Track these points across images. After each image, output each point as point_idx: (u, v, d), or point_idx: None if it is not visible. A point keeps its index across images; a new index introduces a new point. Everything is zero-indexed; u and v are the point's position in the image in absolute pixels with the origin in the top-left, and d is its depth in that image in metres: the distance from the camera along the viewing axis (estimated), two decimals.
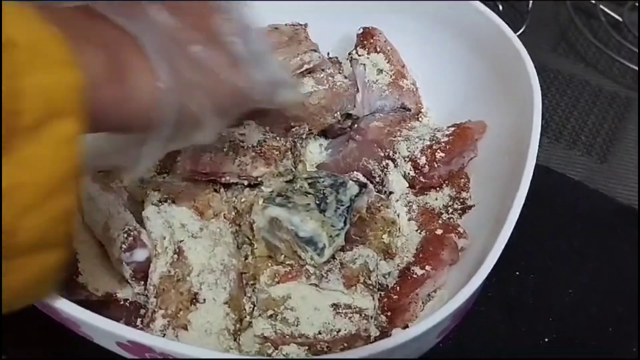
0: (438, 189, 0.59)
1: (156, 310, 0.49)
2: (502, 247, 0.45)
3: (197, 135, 0.43)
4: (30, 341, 0.55)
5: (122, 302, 0.51)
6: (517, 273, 0.60)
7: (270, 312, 0.49)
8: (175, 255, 0.51)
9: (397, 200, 0.58)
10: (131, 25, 0.38)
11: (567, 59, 0.80)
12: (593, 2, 0.83)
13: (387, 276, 0.54)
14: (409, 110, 0.65)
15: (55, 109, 0.32)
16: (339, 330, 0.48)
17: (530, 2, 0.82)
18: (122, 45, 0.38)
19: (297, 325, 0.49)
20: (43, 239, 0.34)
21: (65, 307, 0.41)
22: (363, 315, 0.49)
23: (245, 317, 0.52)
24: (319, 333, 0.48)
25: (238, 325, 0.51)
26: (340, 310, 0.49)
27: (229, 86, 0.43)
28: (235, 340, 0.50)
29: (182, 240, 0.52)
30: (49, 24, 0.33)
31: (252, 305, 0.52)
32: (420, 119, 0.66)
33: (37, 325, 0.49)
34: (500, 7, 0.81)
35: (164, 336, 0.48)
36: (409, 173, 0.58)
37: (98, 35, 0.37)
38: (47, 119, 0.32)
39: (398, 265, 0.55)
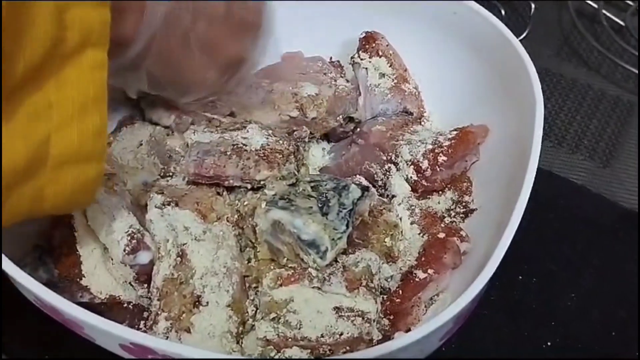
0: (440, 192, 0.59)
1: (159, 312, 0.49)
2: (504, 250, 0.45)
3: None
4: (31, 341, 0.55)
5: (125, 305, 0.51)
6: (520, 277, 0.60)
7: (272, 315, 0.50)
8: (179, 258, 0.51)
9: (400, 204, 0.58)
10: None
11: (569, 64, 0.80)
12: (596, 7, 0.84)
13: (389, 280, 0.54)
14: (411, 114, 0.66)
15: (91, 40, 0.39)
16: (342, 334, 0.48)
17: (533, 6, 0.82)
18: None
19: (299, 329, 0.49)
20: (78, 152, 0.40)
21: (69, 309, 0.41)
22: (365, 318, 0.49)
23: (248, 320, 0.52)
24: (322, 336, 0.48)
25: (241, 328, 0.51)
26: (343, 314, 0.49)
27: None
28: (237, 343, 0.50)
29: (185, 243, 0.52)
30: None
31: (254, 308, 0.52)
32: (422, 122, 0.66)
33: (38, 325, 0.50)
34: (503, 12, 0.81)
35: (167, 339, 0.48)
36: (411, 177, 0.58)
37: None
38: (83, 47, 0.39)
39: (400, 269, 0.55)
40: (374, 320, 0.50)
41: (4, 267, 0.44)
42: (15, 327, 0.54)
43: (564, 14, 0.85)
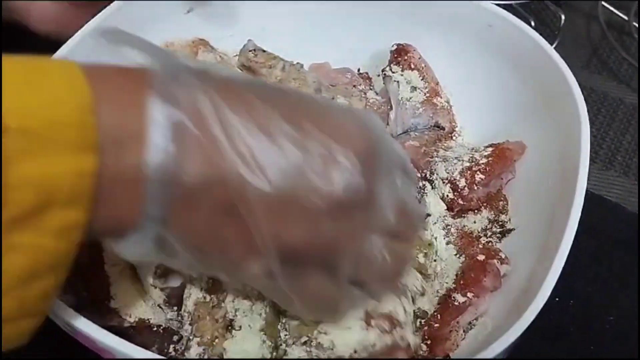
0: (476, 211, 0.58)
1: (191, 338, 0.47)
2: (555, 279, 0.44)
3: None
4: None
5: (155, 329, 0.49)
6: (557, 299, 0.58)
7: (304, 338, 0.47)
8: (210, 281, 0.49)
9: (435, 223, 0.56)
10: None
11: (599, 76, 0.79)
12: (625, 18, 0.82)
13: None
14: (443, 128, 0.64)
15: (57, 198, 0.29)
16: (374, 345, 0.46)
17: (562, 18, 0.80)
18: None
19: (332, 349, 0.47)
20: (18, 313, 0.31)
21: (104, 338, 0.39)
22: (394, 321, 0.47)
23: (281, 344, 0.50)
24: (355, 352, 0.46)
25: (274, 353, 0.49)
26: (371, 322, 0.47)
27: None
28: None
29: None
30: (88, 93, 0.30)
31: (286, 332, 0.50)
32: (454, 137, 0.64)
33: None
34: (532, 23, 0.79)
35: None
36: (447, 195, 0.56)
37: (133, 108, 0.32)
38: (44, 208, 0.29)
39: (437, 292, 0.53)
40: (404, 323, 0.47)
41: None
42: None
43: (593, 26, 0.84)
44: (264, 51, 0.62)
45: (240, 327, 0.48)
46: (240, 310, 0.49)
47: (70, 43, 0.57)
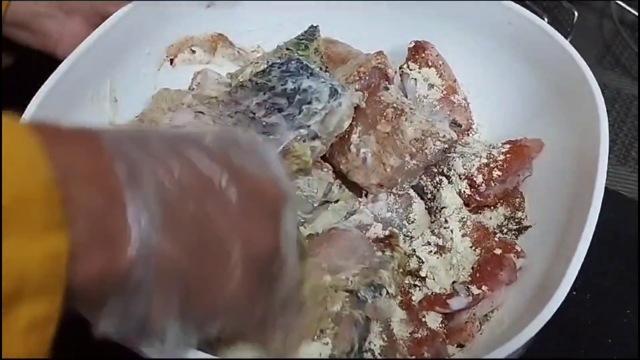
0: (492, 207, 0.58)
1: None
2: (575, 276, 0.45)
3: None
4: None
5: None
6: (574, 292, 0.59)
7: None
8: None
9: (450, 216, 0.57)
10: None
11: (613, 73, 0.79)
12: (636, 14, 0.82)
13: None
14: (460, 125, 0.64)
15: (25, 290, 0.25)
16: None
17: (575, 14, 0.81)
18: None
19: None
20: None
21: None
22: None
23: None
24: None
25: None
26: None
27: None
28: None
29: None
30: (48, 166, 0.26)
31: None
32: (470, 134, 0.65)
33: None
34: (545, 20, 0.80)
35: None
36: (464, 191, 0.57)
37: (95, 183, 0.29)
38: (15, 301, 0.25)
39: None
40: None
41: None
42: None
43: (606, 22, 0.84)
44: None
45: None
46: None
47: (91, 39, 0.58)
